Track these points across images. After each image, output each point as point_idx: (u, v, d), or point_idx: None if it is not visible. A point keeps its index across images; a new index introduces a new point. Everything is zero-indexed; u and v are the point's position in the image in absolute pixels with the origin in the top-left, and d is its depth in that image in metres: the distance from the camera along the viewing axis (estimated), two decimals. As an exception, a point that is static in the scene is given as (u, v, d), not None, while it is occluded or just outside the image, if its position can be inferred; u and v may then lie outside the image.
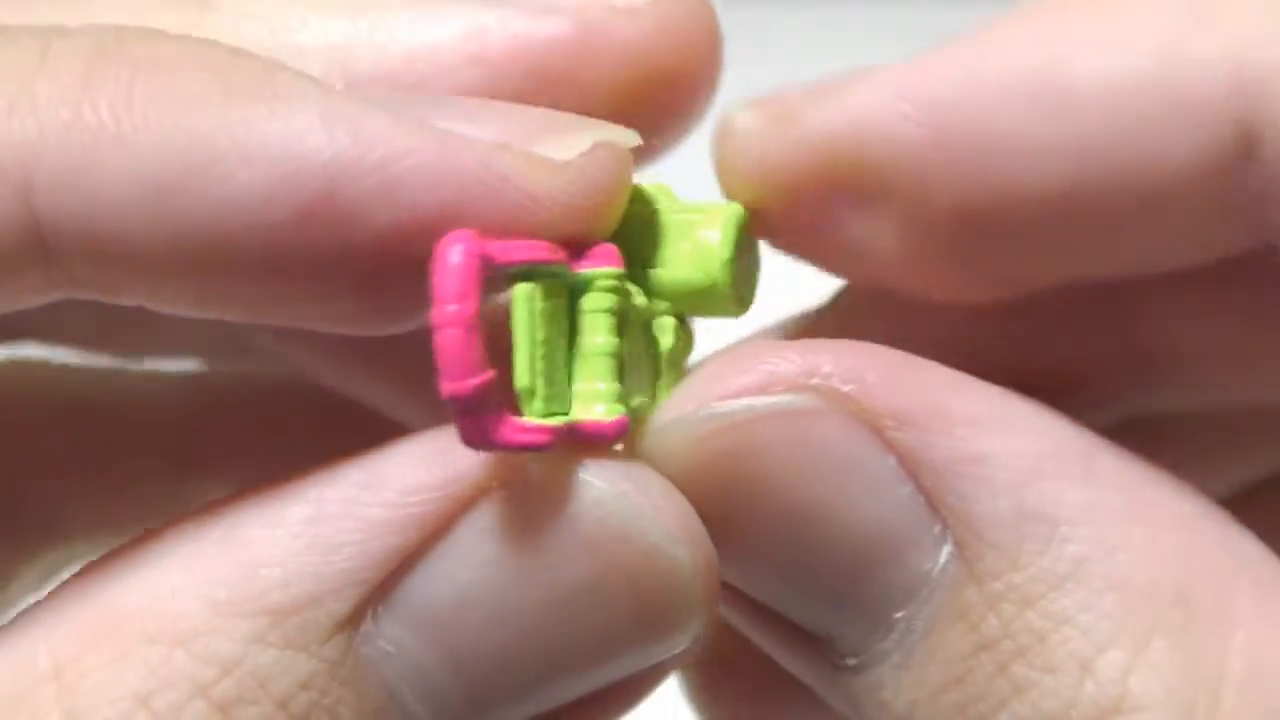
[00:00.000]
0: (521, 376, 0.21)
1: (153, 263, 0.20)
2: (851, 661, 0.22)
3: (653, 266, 0.23)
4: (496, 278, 0.20)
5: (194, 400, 0.31)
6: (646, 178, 0.24)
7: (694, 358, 0.24)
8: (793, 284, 0.27)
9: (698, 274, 0.23)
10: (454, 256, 0.19)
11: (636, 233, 0.23)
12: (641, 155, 0.23)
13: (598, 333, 0.22)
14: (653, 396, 0.23)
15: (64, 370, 0.31)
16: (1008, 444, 0.21)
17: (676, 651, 0.22)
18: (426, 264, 0.20)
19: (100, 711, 0.19)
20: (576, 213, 0.21)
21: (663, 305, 0.23)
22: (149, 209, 0.20)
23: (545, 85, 0.23)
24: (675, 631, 0.22)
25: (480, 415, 0.20)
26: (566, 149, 0.21)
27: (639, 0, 0.23)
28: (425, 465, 0.21)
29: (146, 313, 0.22)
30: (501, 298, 0.21)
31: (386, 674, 0.21)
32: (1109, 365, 0.26)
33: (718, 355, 0.23)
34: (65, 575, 0.31)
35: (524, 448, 0.20)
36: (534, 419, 0.21)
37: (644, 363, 0.23)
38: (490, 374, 0.19)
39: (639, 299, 0.23)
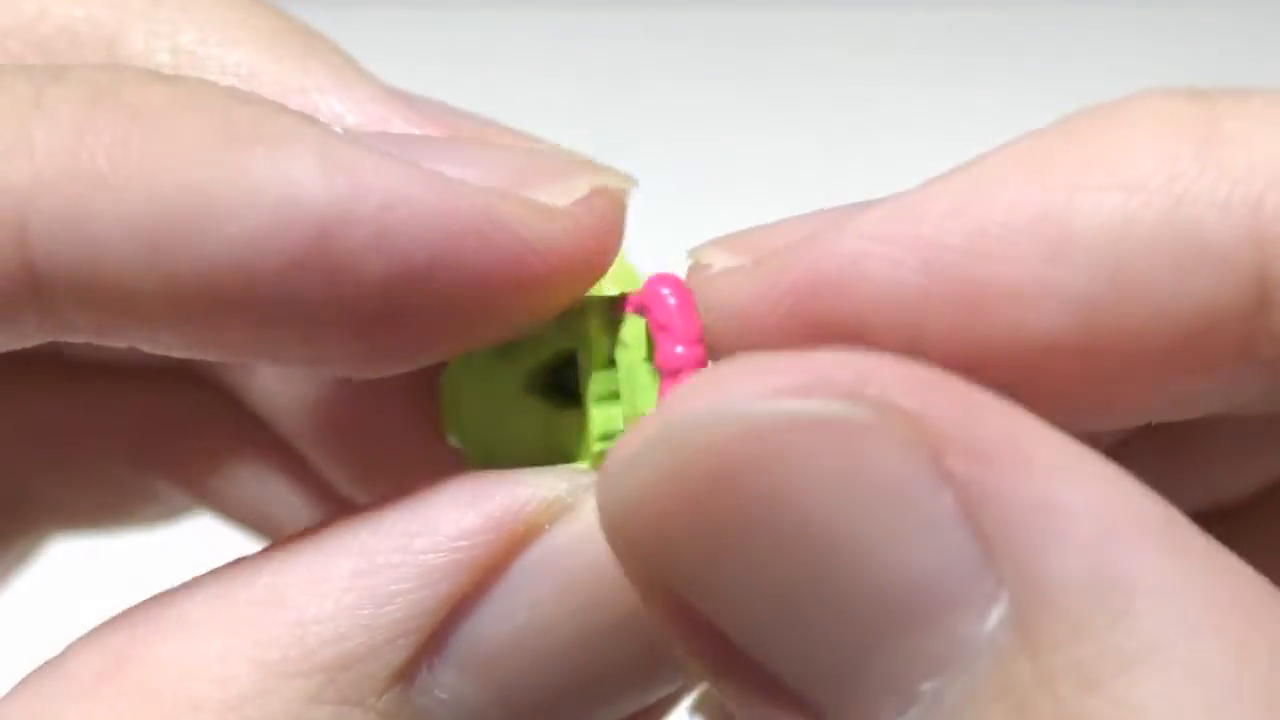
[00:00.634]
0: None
1: (147, 309, 0.20)
2: None
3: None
4: None
5: (159, 393, 0.30)
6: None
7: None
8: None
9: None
10: (680, 298, 0.20)
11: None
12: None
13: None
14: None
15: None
16: (1088, 497, 0.17)
17: None
18: (419, 311, 0.20)
19: None
20: (571, 262, 0.21)
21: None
22: (144, 256, 0.19)
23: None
24: None
25: None
26: (564, 195, 0.21)
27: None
28: (475, 508, 0.20)
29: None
30: None
31: (439, 719, 0.20)
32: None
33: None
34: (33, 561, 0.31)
35: None
36: None
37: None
38: None
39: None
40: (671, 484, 0.18)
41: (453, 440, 0.24)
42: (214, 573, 0.21)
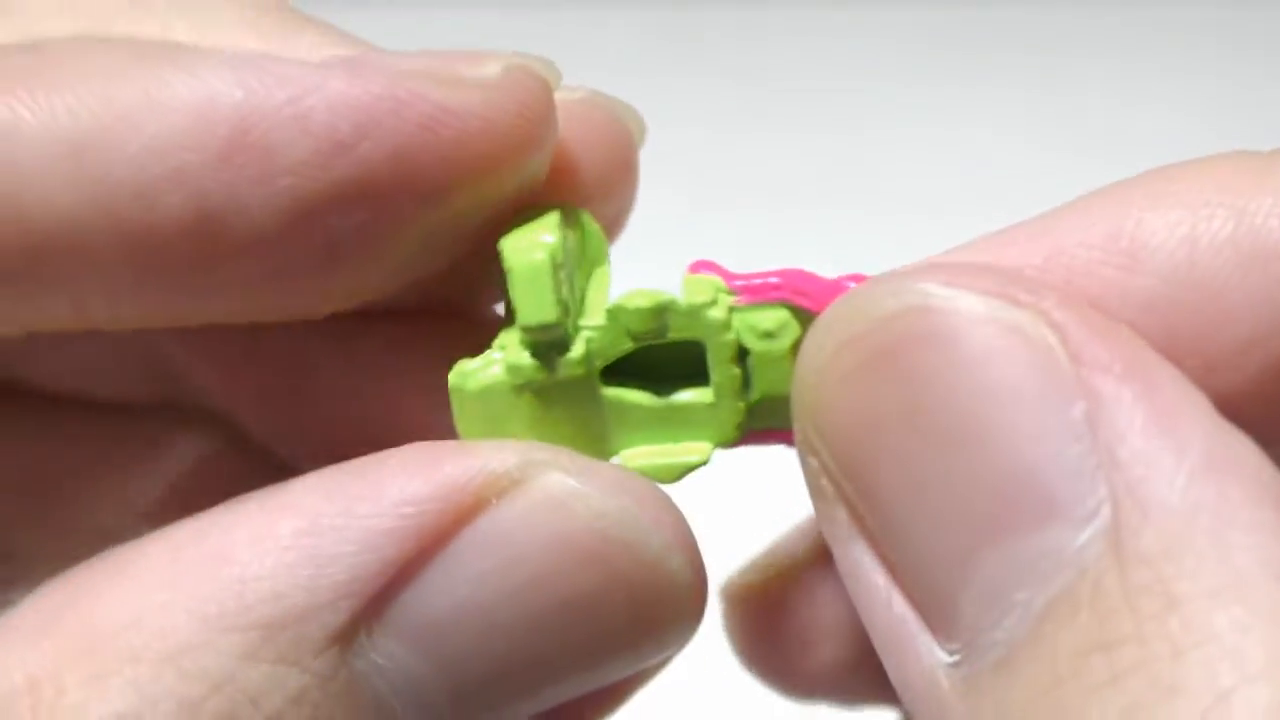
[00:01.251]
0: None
1: (81, 233, 0.20)
2: (954, 656, 0.19)
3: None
4: None
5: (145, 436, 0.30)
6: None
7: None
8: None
9: None
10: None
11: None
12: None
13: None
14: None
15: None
16: (1203, 434, 0.18)
17: (667, 655, 0.22)
18: (358, 190, 0.21)
19: None
20: (496, 128, 0.21)
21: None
22: (68, 167, 0.20)
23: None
24: (669, 640, 0.22)
25: None
26: (475, 71, 0.22)
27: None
28: (423, 476, 0.20)
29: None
30: None
31: (378, 686, 0.20)
32: None
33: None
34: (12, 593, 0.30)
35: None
36: None
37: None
38: None
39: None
40: (851, 348, 0.20)
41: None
42: (166, 530, 0.21)
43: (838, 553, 0.20)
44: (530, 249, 0.22)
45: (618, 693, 0.24)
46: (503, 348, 0.22)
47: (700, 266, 0.23)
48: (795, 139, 0.78)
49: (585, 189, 0.24)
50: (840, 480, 0.20)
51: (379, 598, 0.20)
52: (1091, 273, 0.21)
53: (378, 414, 0.27)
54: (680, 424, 0.23)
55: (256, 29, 0.23)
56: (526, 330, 0.22)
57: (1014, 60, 0.84)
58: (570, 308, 0.22)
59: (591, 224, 0.23)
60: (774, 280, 0.23)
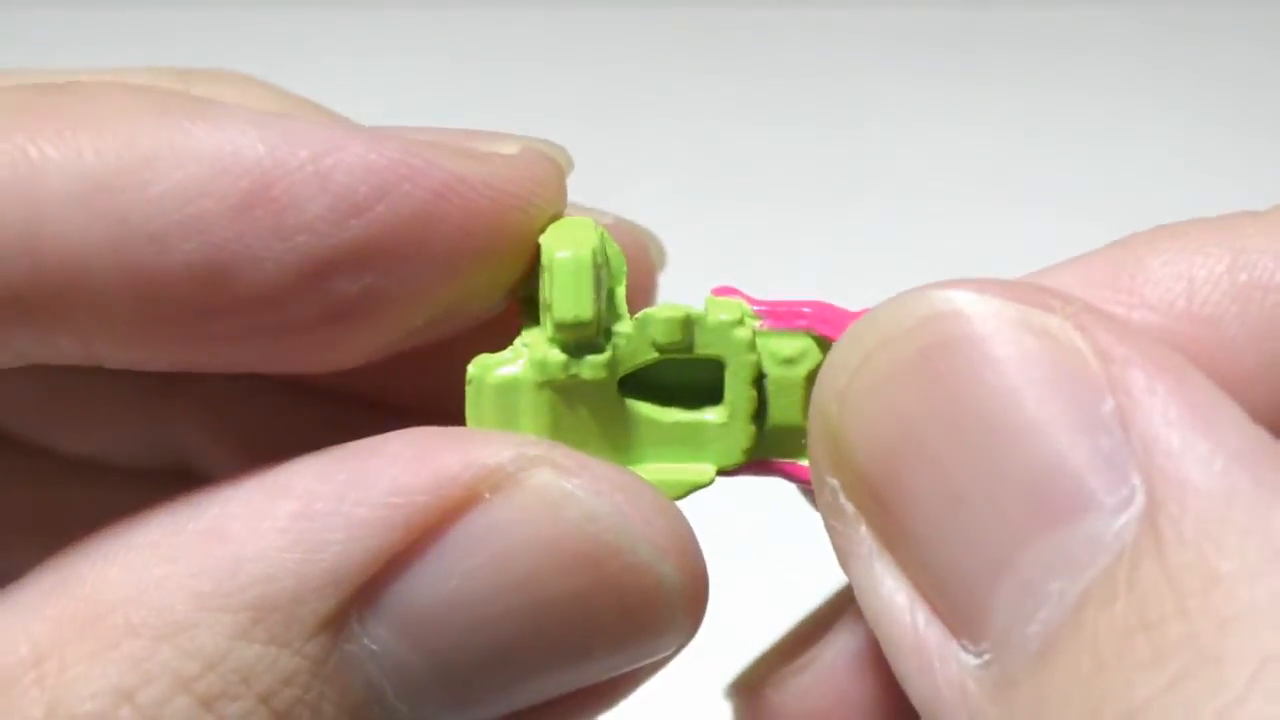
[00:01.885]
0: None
1: (94, 270, 0.20)
2: (983, 658, 0.19)
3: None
4: None
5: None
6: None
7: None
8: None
9: None
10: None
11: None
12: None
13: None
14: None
15: None
16: (1235, 421, 0.19)
17: (660, 657, 0.22)
18: (373, 251, 0.21)
19: (82, 705, 0.19)
20: (508, 201, 0.22)
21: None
22: (88, 205, 0.20)
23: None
24: (659, 642, 0.22)
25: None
26: (494, 147, 0.22)
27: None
28: (415, 467, 0.20)
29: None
30: None
31: (369, 671, 0.21)
32: None
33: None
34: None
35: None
36: None
37: None
38: None
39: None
40: (880, 357, 0.20)
41: None
42: (168, 504, 0.21)
43: (856, 575, 0.21)
44: (573, 244, 0.22)
45: (615, 689, 0.24)
46: (527, 345, 0.23)
47: (723, 292, 0.23)
48: (795, 138, 0.78)
49: None
50: (864, 495, 0.20)
51: (369, 586, 0.20)
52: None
53: None
54: (691, 441, 0.23)
55: (278, 103, 0.23)
56: (561, 326, 0.22)
57: (1014, 60, 0.84)
58: (600, 312, 0.22)
59: (611, 244, 0.24)
60: (805, 310, 0.23)
